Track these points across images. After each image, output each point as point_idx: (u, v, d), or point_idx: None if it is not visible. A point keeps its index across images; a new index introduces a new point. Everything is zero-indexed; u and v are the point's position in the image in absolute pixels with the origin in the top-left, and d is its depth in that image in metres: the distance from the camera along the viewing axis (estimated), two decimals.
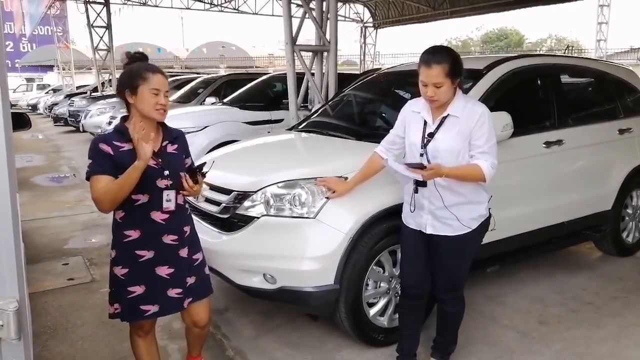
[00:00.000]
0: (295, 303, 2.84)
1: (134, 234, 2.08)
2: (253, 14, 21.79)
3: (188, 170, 2.16)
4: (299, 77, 6.29)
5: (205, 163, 2.31)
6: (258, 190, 2.87)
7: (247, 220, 2.87)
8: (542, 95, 3.85)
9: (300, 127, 4.21)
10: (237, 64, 36.36)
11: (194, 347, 2.54)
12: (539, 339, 3.08)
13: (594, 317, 3.36)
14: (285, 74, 6.34)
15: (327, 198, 2.76)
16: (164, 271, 2.13)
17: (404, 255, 2.67)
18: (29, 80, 33.36)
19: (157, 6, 20.70)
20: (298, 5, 8.13)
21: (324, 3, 6.14)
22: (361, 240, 2.75)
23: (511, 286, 3.81)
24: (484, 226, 2.52)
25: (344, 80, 6.24)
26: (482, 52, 42.65)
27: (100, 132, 10.69)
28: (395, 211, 2.74)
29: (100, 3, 15.64)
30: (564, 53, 28.73)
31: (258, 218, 2.83)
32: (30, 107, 24.56)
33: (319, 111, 4.54)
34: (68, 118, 14.57)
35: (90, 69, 22.22)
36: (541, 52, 39.45)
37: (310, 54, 6.48)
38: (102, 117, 11.11)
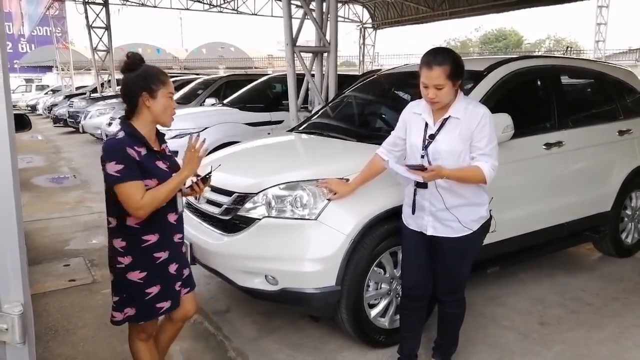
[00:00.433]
0: (297, 304, 2.85)
1: (152, 238, 2.07)
2: (252, 14, 21.79)
3: (200, 177, 2.27)
4: (299, 78, 6.29)
5: (212, 168, 2.37)
6: (259, 192, 2.88)
7: (249, 221, 2.88)
8: (543, 97, 3.86)
9: (300, 129, 4.22)
10: (237, 64, 36.36)
11: (167, 345, 2.49)
12: (540, 340, 3.09)
13: (594, 318, 3.37)
14: (285, 74, 6.35)
15: (328, 200, 2.77)
16: (173, 268, 2.17)
17: (405, 256, 2.67)
18: (28, 81, 33.33)
19: (156, 7, 20.71)
20: (298, 6, 8.12)
21: (324, 4, 6.15)
22: (362, 241, 2.76)
23: (512, 287, 3.81)
24: (485, 227, 2.53)
25: (344, 81, 6.25)
26: (481, 52, 42.66)
27: (100, 133, 10.69)
28: (396, 213, 2.75)
29: (99, 4, 15.64)
30: (564, 54, 28.77)
31: (259, 219, 2.84)
32: (29, 108, 24.55)
33: (320, 112, 4.55)
34: (67, 119, 14.56)
35: (90, 69, 22.21)
36: (540, 53, 39.48)
37: (310, 55, 6.49)
38: (101, 118, 11.10)
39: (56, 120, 15.93)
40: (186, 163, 2.10)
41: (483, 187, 2.44)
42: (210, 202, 3.16)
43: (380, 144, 2.74)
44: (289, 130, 4.41)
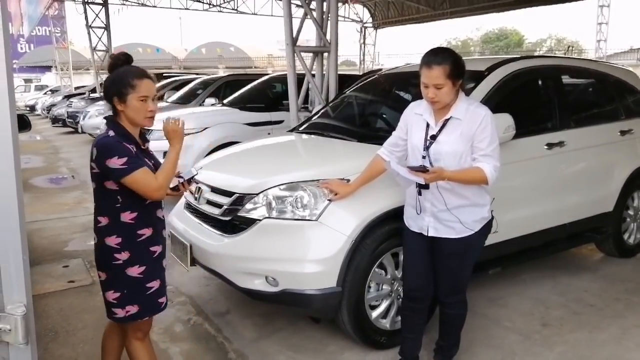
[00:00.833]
0: (298, 306, 2.83)
1: (147, 232, 2.10)
2: (252, 14, 21.80)
3: (186, 179, 2.32)
4: (300, 78, 6.28)
5: (196, 169, 2.41)
6: (260, 193, 2.87)
7: (249, 222, 2.86)
8: (544, 97, 3.84)
9: (301, 129, 4.20)
10: (236, 64, 36.36)
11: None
12: (541, 342, 3.08)
13: (596, 319, 3.36)
14: (285, 74, 6.34)
15: (329, 200, 2.76)
16: (165, 263, 2.23)
17: (407, 257, 2.66)
18: (27, 81, 33.36)
19: (156, 6, 20.71)
20: (298, 6, 8.12)
21: (325, 3, 6.14)
22: (363, 242, 2.75)
23: (513, 288, 3.80)
24: (487, 228, 2.52)
25: (344, 81, 6.23)
26: (481, 52, 42.73)
27: (99, 134, 10.67)
28: (397, 213, 2.74)
29: (98, 4, 15.62)
30: (565, 53, 28.80)
31: (260, 220, 2.82)
32: (28, 108, 24.54)
33: (320, 112, 4.53)
34: (66, 119, 14.56)
35: (89, 69, 22.19)
36: (541, 53, 39.51)
37: (310, 54, 6.48)
38: (100, 118, 11.09)
39: (55, 120, 15.93)
40: (172, 138, 2.13)
41: (485, 187, 2.43)
42: (210, 202, 3.14)
43: (381, 144, 2.72)
44: (289, 131, 4.40)
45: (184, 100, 8.80)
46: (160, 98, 10.02)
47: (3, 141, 1.10)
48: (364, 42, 22.94)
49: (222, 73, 17.13)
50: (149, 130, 6.30)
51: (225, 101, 7.51)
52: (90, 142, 2.41)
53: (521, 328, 3.24)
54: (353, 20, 22.48)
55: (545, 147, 3.54)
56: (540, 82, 3.89)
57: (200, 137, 6.18)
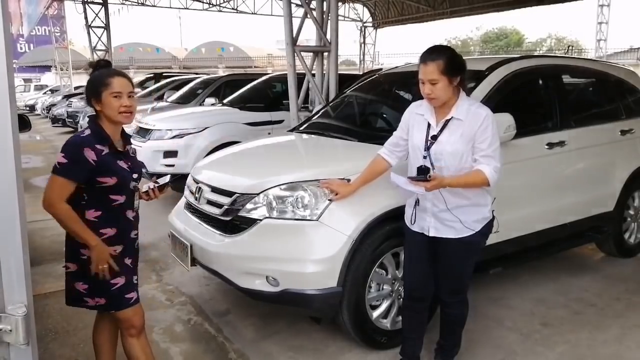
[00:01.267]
0: (298, 306, 2.83)
1: (110, 232, 2.14)
2: (252, 13, 21.79)
3: (158, 185, 2.40)
4: (300, 78, 6.27)
5: (169, 175, 2.46)
6: (260, 193, 2.86)
7: (250, 222, 2.86)
8: (544, 97, 3.84)
9: (301, 129, 4.20)
10: (236, 64, 36.32)
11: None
12: (542, 341, 3.08)
13: (597, 319, 3.36)
14: (285, 74, 6.33)
15: (329, 200, 2.75)
16: (128, 261, 2.24)
17: (407, 257, 2.66)
18: (27, 80, 33.35)
19: (155, 6, 20.71)
20: (298, 6, 8.11)
21: (325, 3, 6.13)
22: (364, 242, 2.74)
23: (514, 288, 3.80)
24: (487, 228, 2.51)
25: (344, 81, 6.23)
26: (481, 51, 42.68)
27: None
28: (398, 213, 2.73)
29: (98, 3, 15.62)
30: (565, 53, 28.77)
31: (260, 220, 2.82)
32: (28, 108, 24.51)
33: (320, 112, 4.53)
34: (66, 119, 14.53)
35: (88, 69, 22.11)
36: (541, 52, 39.49)
37: (310, 54, 6.47)
38: None
39: (54, 120, 15.90)
40: (96, 257, 2.08)
41: (486, 187, 2.43)
42: (210, 202, 3.14)
43: (381, 144, 2.72)
44: (289, 130, 4.39)
45: (184, 100, 8.79)
46: (161, 98, 10.01)
47: (3, 141, 1.10)
48: (364, 42, 22.94)
49: (222, 73, 17.11)
50: (149, 130, 6.32)
51: (225, 101, 7.50)
52: None
53: (522, 328, 3.23)
54: (353, 20, 22.47)
55: (546, 146, 3.53)
56: (540, 82, 3.88)
57: (200, 137, 6.18)
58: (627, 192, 4.18)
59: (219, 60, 37.16)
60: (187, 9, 20.90)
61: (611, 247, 4.34)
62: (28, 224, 4.26)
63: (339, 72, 6.26)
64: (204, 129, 6.25)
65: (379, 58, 27.92)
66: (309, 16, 6.22)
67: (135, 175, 2.22)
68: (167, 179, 2.44)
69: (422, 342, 2.76)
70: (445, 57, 2.28)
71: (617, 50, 29.14)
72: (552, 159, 3.58)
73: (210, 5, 20.60)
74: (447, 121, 2.35)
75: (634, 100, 4.45)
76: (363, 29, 22.72)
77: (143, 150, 6.15)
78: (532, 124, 3.64)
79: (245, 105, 7.06)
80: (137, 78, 15.04)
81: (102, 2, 15.63)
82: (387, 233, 2.81)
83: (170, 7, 21.31)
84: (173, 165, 6.03)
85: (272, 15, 21.88)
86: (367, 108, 4.47)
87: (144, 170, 5.92)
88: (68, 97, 16.27)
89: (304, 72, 6.28)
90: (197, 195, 3.26)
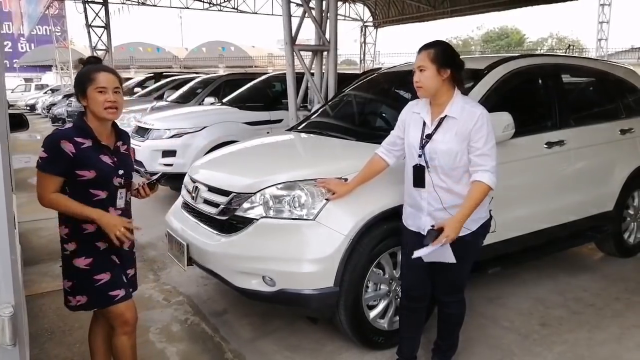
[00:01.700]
0: (295, 306, 2.81)
1: (90, 228, 2.12)
2: (252, 13, 21.77)
3: (148, 182, 2.37)
4: (299, 77, 6.25)
5: (160, 173, 2.44)
6: (257, 192, 2.85)
7: (246, 222, 2.84)
8: (544, 95, 3.82)
9: (299, 128, 4.18)
10: (237, 63, 36.31)
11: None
12: (540, 341, 3.06)
13: (595, 318, 3.34)
14: (285, 73, 6.31)
15: (326, 200, 2.74)
16: (114, 257, 2.21)
17: (405, 257, 2.64)
18: (28, 80, 33.34)
19: (156, 5, 20.68)
20: (297, 5, 8.09)
21: (324, 2, 6.11)
22: (361, 242, 2.73)
23: (512, 288, 3.78)
24: (485, 228, 2.50)
25: (344, 80, 6.21)
26: (482, 51, 42.64)
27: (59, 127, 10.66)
28: (395, 213, 2.72)
29: (98, 3, 15.60)
30: (566, 52, 28.72)
31: (257, 220, 2.80)
32: (28, 108, 24.53)
33: (319, 111, 4.51)
34: (66, 118, 14.56)
35: None
36: (542, 52, 39.42)
37: (309, 53, 6.45)
38: None
39: (55, 119, 15.92)
40: (107, 225, 2.07)
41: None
42: (207, 202, 3.12)
43: (379, 143, 2.71)
44: (287, 130, 4.38)
45: (184, 99, 8.78)
46: (160, 97, 10.00)
47: None
48: (364, 41, 22.90)
49: (222, 72, 17.12)
50: (147, 130, 6.31)
51: (224, 100, 7.48)
52: None
53: (520, 328, 3.22)
54: (353, 19, 22.44)
55: (545, 146, 3.51)
56: (540, 81, 3.86)
57: (198, 136, 6.17)
58: (626, 192, 4.16)
59: (219, 60, 37.15)
60: (188, 8, 20.88)
61: (610, 246, 4.33)
62: (25, 224, 4.27)
63: (339, 71, 6.24)
64: (202, 129, 6.24)
65: (380, 57, 27.88)
66: (308, 15, 6.20)
67: (121, 172, 2.18)
68: (156, 177, 2.42)
69: (419, 342, 2.75)
70: (437, 47, 2.32)
71: (618, 50, 29.06)
72: (551, 158, 3.56)
73: (211, 5, 20.58)
74: (442, 119, 2.34)
75: (633, 100, 4.43)
76: (363, 28, 22.68)
77: (142, 149, 6.15)
78: (531, 123, 3.63)
79: (245, 105, 7.05)
80: (138, 78, 15.03)
81: (102, 1, 15.62)
82: (384, 232, 2.80)
83: (171, 7, 21.30)
84: (171, 165, 6.02)
85: (272, 14, 21.86)
86: (365, 107, 4.45)
87: (142, 169, 5.92)
88: (68, 96, 16.27)
89: (303, 71, 6.26)
90: (194, 194, 3.25)
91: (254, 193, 2.85)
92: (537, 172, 3.51)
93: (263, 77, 8.19)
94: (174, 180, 5.55)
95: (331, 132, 3.77)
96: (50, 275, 4.04)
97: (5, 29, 39.34)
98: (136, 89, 12.85)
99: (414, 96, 2.56)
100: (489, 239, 2.67)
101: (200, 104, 7.94)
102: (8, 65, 39.64)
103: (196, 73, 14.76)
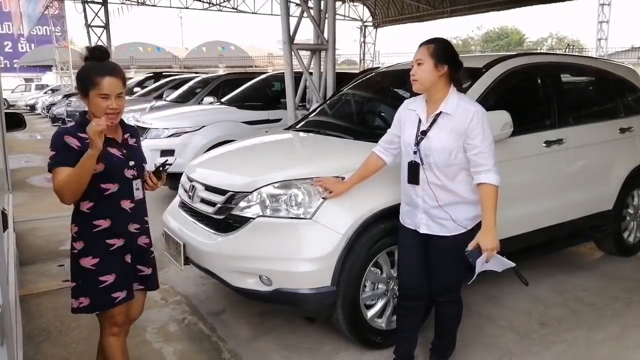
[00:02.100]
0: (292, 305, 2.79)
1: (104, 224, 2.09)
2: (252, 13, 21.76)
3: (153, 171, 2.31)
4: (297, 77, 6.24)
5: (167, 160, 2.38)
6: (254, 191, 2.83)
7: (243, 221, 2.83)
8: (542, 94, 3.80)
9: (298, 127, 4.17)
10: (237, 63, 36.28)
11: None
12: (539, 341, 3.04)
13: (594, 318, 3.33)
14: (284, 73, 6.30)
15: (323, 198, 2.72)
16: (128, 258, 2.18)
17: (401, 255, 2.63)
18: (28, 80, 33.36)
19: (156, 5, 20.68)
20: (296, 4, 8.08)
21: (322, 2, 6.10)
22: (358, 241, 2.71)
23: (511, 287, 3.76)
24: (480, 227, 2.48)
25: (342, 79, 6.19)
26: (482, 51, 42.61)
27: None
28: (393, 211, 2.70)
29: (98, 3, 15.60)
30: (565, 52, 28.69)
31: (254, 219, 2.79)
32: (28, 108, 24.53)
33: (317, 110, 4.50)
34: (66, 118, 14.54)
35: None
36: (541, 51, 39.33)
37: (308, 53, 6.44)
38: None
39: (54, 119, 15.92)
40: (91, 135, 1.92)
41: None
42: (204, 201, 3.11)
43: (376, 142, 2.69)
44: (286, 129, 4.36)
45: (183, 99, 8.77)
46: (160, 97, 9.98)
47: None
48: (364, 41, 22.88)
49: (222, 72, 17.10)
50: (146, 129, 6.29)
51: (223, 99, 7.47)
52: None
53: (518, 327, 3.20)
54: (353, 19, 22.42)
55: (544, 144, 3.50)
56: (538, 79, 3.84)
57: (197, 135, 6.16)
58: (626, 191, 4.14)
59: (219, 59, 37.14)
60: (188, 8, 20.88)
61: (610, 245, 4.31)
62: (22, 224, 4.25)
63: (337, 70, 6.22)
64: (200, 128, 6.23)
65: (379, 57, 27.87)
66: (306, 15, 6.19)
67: (132, 163, 2.15)
68: (161, 162, 2.33)
69: (416, 341, 2.73)
70: (437, 42, 2.33)
71: (618, 50, 29.03)
72: (550, 157, 3.54)
73: (211, 5, 20.57)
74: (437, 116, 2.33)
75: (633, 98, 4.41)
76: (363, 28, 22.67)
77: None
78: (530, 121, 3.61)
79: (243, 104, 7.04)
80: (138, 77, 15.01)
81: (101, 1, 15.61)
82: (381, 231, 2.78)
83: (171, 7, 21.30)
84: (170, 164, 6.00)
85: (272, 14, 21.85)
86: (363, 106, 4.44)
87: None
88: (68, 96, 16.28)
89: (301, 70, 6.25)
90: (190, 193, 3.23)
91: (251, 192, 2.84)
92: (536, 170, 3.49)
93: (262, 76, 8.18)
94: (172, 179, 5.53)
95: (329, 131, 3.75)
96: (47, 275, 4.02)
97: (5, 29, 39.36)
98: (135, 89, 12.84)
99: (412, 95, 2.55)
100: None
101: (199, 104, 7.92)
102: (8, 65, 39.68)
103: (196, 73, 14.73)
